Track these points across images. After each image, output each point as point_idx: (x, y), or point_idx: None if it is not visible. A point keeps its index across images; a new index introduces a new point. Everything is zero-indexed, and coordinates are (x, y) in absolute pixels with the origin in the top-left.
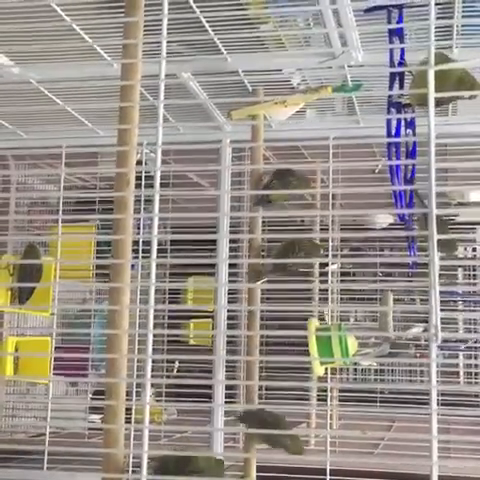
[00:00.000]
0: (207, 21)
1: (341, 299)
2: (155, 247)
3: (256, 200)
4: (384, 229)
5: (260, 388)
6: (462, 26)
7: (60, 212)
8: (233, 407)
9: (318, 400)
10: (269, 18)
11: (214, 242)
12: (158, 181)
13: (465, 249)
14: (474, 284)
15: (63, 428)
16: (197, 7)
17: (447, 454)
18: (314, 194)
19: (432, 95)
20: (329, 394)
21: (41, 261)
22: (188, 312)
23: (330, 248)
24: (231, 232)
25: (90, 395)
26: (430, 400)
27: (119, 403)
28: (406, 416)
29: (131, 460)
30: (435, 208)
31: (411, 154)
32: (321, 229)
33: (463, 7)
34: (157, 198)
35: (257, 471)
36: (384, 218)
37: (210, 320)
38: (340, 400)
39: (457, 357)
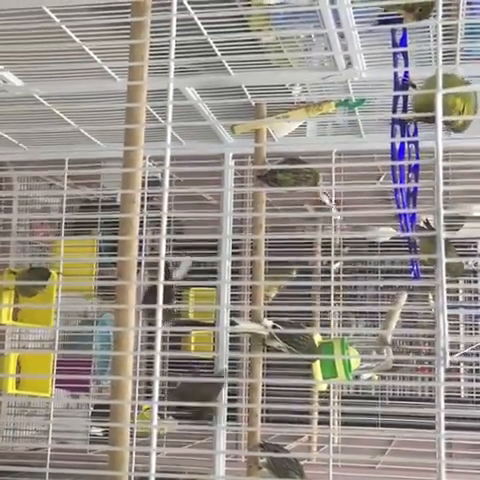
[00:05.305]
0: (213, 41)
1: (343, 313)
2: (162, 270)
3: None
4: (385, 243)
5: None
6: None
7: (63, 219)
8: (235, 428)
9: (319, 413)
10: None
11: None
12: (166, 203)
13: (466, 263)
14: (476, 298)
15: (64, 441)
16: (201, 23)
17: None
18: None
19: (440, 119)
20: (331, 410)
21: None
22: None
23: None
24: (234, 246)
25: (91, 408)
26: (437, 424)
27: (124, 424)
28: (409, 424)
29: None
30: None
31: (413, 168)
32: (323, 245)
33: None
34: (164, 220)
35: None
36: (386, 231)
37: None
38: (342, 414)
39: (458, 371)
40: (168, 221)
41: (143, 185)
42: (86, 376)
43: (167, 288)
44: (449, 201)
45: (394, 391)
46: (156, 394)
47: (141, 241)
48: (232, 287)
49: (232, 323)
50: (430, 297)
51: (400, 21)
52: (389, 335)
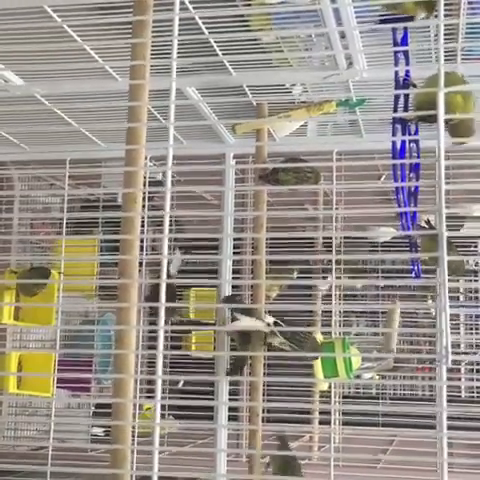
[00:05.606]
0: (214, 40)
1: (344, 312)
2: (165, 268)
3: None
4: (386, 242)
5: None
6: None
7: (64, 219)
8: (236, 426)
9: (320, 412)
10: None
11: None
12: (168, 202)
13: (467, 262)
14: (476, 298)
15: (65, 441)
16: (205, 26)
17: (450, 468)
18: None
19: (442, 118)
20: (332, 409)
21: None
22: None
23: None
24: (235, 246)
25: (92, 408)
26: (439, 423)
27: (126, 423)
28: (410, 424)
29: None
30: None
31: (415, 167)
32: (324, 246)
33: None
34: (167, 219)
35: None
36: (387, 231)
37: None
38: (343, 413)
39: (459, 371)
40: (169, 220)
41: (144, 185)
42: (87, 376)
43: (169, 287)
44: (450, 201)
45: (395, 390)
46: (158, 392)
47: (142, 240)
48: (233, 286)
49: (233, 320)
50: (429, 297)
51: (401, 20)
52: (393, 343)
